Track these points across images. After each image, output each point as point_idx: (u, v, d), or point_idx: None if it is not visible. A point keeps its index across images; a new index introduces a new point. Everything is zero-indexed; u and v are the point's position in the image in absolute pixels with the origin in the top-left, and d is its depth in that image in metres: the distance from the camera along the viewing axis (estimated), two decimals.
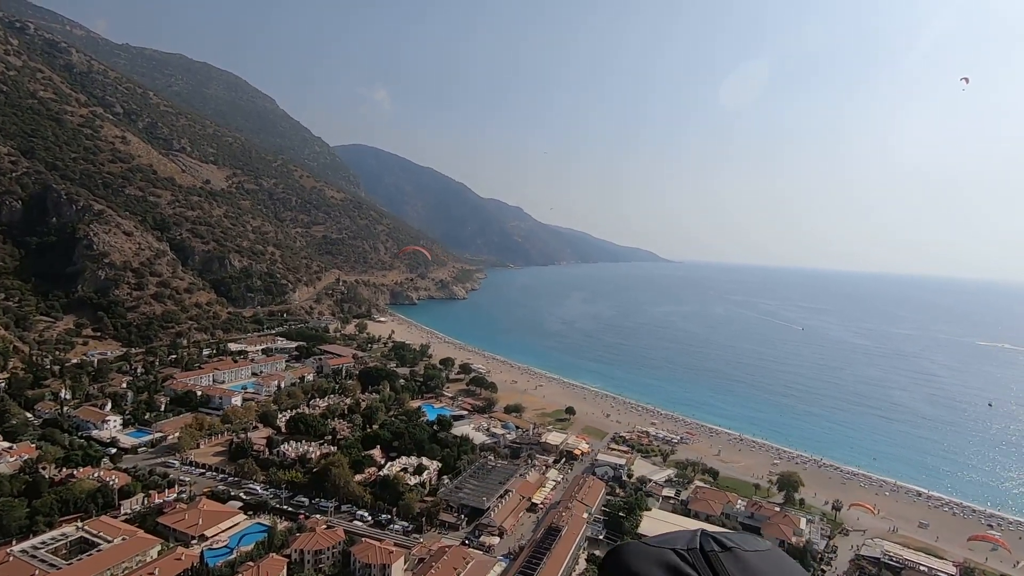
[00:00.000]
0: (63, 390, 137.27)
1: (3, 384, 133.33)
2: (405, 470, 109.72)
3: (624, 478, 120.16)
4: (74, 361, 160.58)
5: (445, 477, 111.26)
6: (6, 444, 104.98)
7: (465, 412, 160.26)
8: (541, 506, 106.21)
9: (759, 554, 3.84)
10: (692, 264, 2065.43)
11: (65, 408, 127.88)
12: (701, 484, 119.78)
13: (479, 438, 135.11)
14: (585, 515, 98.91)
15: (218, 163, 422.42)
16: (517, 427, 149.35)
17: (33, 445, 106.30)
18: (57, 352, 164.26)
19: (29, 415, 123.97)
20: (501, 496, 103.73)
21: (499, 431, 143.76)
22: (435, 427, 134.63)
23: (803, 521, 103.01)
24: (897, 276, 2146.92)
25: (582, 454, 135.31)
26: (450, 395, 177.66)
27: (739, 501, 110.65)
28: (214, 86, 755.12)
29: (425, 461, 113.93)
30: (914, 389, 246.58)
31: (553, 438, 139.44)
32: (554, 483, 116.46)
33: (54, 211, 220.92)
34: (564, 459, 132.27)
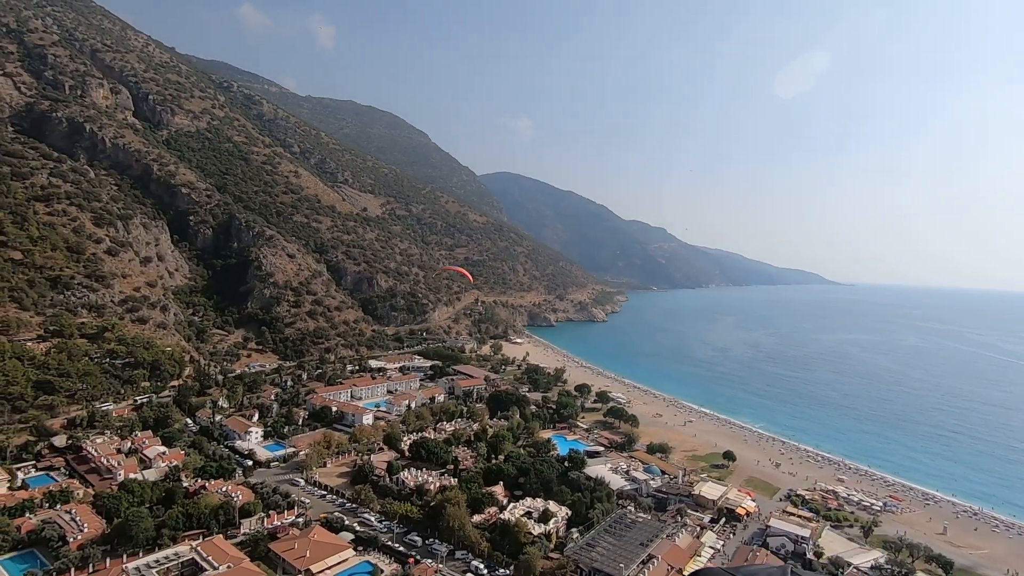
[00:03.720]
0: (221, 399, 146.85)
1: (174, 391, 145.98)
2: (529, 515, 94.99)
3: (810, 556, 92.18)
4: (236, 372, 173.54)
5: (574, 529, 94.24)
6: (161, 449, 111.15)
7: (601, 448, 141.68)
8: None
9: None
10: (866, 286, 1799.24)
11: (218, 417, 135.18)
12: None
13: (617, 482, 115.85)
14: None
15: (375, 192, 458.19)
16: (663, 472, 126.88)
17: (183, 452, 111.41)
18: (224, 363, 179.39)
19: (189, 421, 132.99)
20: (643, 562, 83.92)
21: (641, 475, 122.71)
22: (566, 464, 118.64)
23: None
24: None
25: (747, 514, 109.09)
26: (584, 426, 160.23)
27: None
28: (377, 125, 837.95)
29: (552, 506, 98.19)
30: None
31: (708, 490, 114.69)
32: (712, 551, 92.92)
33: (236, 236, 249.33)
34: (724, 519, 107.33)
